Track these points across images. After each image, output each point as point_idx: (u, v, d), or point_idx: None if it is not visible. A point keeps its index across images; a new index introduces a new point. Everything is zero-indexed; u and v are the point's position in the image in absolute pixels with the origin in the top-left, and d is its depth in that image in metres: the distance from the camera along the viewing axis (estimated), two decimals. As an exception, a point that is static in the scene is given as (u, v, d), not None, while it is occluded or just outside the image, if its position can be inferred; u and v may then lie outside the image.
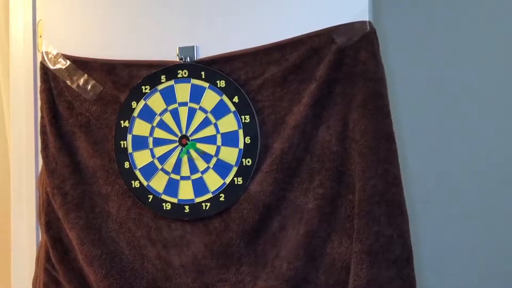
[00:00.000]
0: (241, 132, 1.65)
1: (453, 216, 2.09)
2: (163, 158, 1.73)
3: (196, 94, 1.70)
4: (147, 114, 1.75)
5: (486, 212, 2.08)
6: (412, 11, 2.16)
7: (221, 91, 1.67)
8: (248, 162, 1.64)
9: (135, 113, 1.75)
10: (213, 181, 1.68)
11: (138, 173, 1.75)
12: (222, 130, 1.67)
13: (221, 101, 1.67)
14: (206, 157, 1.68)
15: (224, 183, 1.67)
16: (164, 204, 1.73)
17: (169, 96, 1.72)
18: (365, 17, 1.58)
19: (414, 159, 2.03)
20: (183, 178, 1.71)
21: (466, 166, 2.10)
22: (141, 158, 1.75)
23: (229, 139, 1.67)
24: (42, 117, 1.89)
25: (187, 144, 1.70)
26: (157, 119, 1.74)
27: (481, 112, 2.10)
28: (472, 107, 2.10)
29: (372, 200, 1.54)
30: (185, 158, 1.70)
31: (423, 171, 2.10)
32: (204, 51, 1.72)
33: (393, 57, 1.93)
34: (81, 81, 1.83)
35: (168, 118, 1.73)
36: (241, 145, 1.65)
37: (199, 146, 1.69)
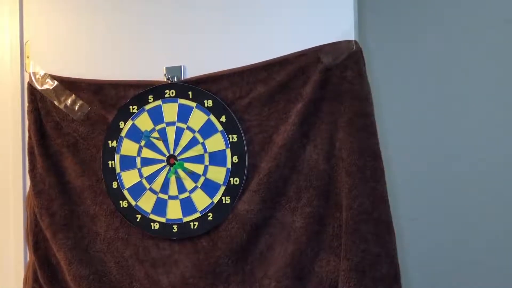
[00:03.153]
0: (228, 151, 1.66)
1: (440, 234, 2.10)
2: (151, 178, 1.73)
3: (184, 114, 1.70)
4: (135, 134, 1.75)
5: (474, 229, 2.09)
6: (397, 30, 2.18)
7: (208, 110, 1.67)
8: (236, 181, 1.65)
9: (123, 133, 1.76)
10: (201, 201, 1.68)
11: (126, 193, 1.75)
12: (209, 150, 1.68)
13: (209, 120, 1.68)
14: (194, 176, 1.69)
15: (212, 202, 1.67)
16: (152, 223, 1.73)
17: (156, 115, 1.73)
18: (351, 36, 1.59)
19: (401, 176, 2.04)
20: (171, 197, 1.71)
21: (453, 184, 2.11)
22: (129, 178, 1.75)
23: (217, 158, 1.67)
24: (29, 138, 1.89)
25: (175, 163, 1.70)
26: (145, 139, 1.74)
27: (468, 131, 2.11)
28: (459, 125, 2.12)
29: (359, 218, 1.54)
30: (173, 178, 1.70)
31: (410, 189, 2.10)
32: (191, 71, 1.73)
33: (379, 76, 1.95)
34: (69, 102, 1.83)
35: (155, 138, 1.73)
36: (229, 165, 1.66)
37: (187, 165, 1.69)
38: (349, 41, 1.58)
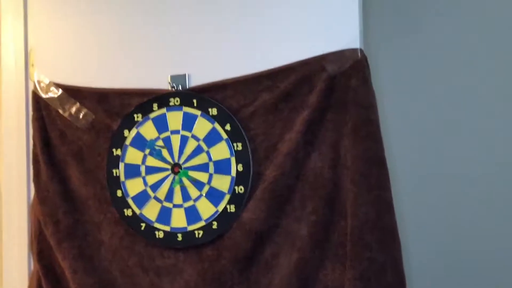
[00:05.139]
0: (233, 159, 1.66)
1: (446, 241, 2.09)
2: (155, 186, 1.73)
3: (188, 122, 1.70)
4: (140, 142, 1.75)
5: (479, 238, 2.08)
6: (403, 38, 2.17)
7: (213, 119, 1.67)
8: (241, 189, 1.65)
9: (127, 142, 1.76)
10: (206, 209, 1.68)
11: (130, 201, 1.75)
12: (214, 158, 1.68)
13: (213, 129, 1.67)
14: (198, 185, 1.69)
15: (217, 211, 1.67)
16: (156, 232, 1.72)
17: (161, 124, 1.73)
18: (356, 45, 1.59)
19: (406, 184, 2.04)
20: (175, 206, 1.71)
21: (459, 192, 2.10)
22: (134, 186, 1.75)
23: (222, 166, 1.67)
24: (34, 146, 1.89)
25: (179, 172, 1.70)
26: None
27: (475, 136, 2.11)
28: (465, 130, 2.11)
29: (365, 226, 1.54)
30: (177, 186, 1.70)
31: (415, 196, 2.10)
32: (196, 79, 1.73)
33: (384, 84, 1.95)
34: (73, 110, 1.83)
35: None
36: (234, 173, 1.66)
37: (192, 174, 1.69)
38: (354, 50, 1.58)
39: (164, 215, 1.72)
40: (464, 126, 2.11)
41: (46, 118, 1.88)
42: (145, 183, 1.74)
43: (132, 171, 1.76)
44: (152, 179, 1.74)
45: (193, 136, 1.70)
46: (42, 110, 1.89)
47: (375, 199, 1.55)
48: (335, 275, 1.58)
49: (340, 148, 1.59)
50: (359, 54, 1.58)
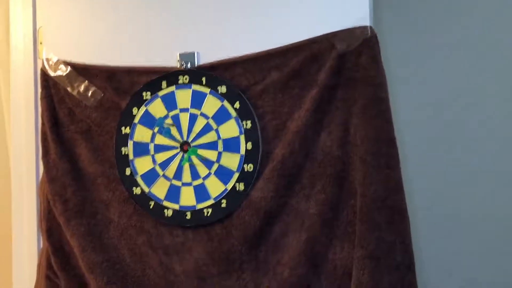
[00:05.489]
0: (242, 138, 1.65)
1: (455, 224, 2.08)
2: (164, 165, 1.73)
3: (197, 100, 1.70)
4: (148, 120, 1.74)
5: (488, 217, 2.07)
6: (413, 16, 2.15)
7: (222, 96, 1.67)
8: (250, 168, 1.64)
9: (136, 120, 1.75)
10: (215, 187, 1.68)
11: (139, 179, 1.75)
12: (223, 136, 1.67)
13: (222, 106, 1.67)
14: (207, 163, 1.68)
15: (226, 189, 1.67)
16: (165, 210, 1.72)
17: (170, 102, 1.72)
18: (366, 22, 1.58)
19: (415, 164, 2.02)
20: (184, 184, 1.71)
21: (468, 171, 2.09)
22: (142, 165, 1.75)
23: (231, 145, 1.67)
24: (42, 124, 1.89)
25: (188, 150, 1.70)
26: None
27: (485, 116, 2.09)
28: (475, 110, 2.09)
29: (374, 205, 1.53)
30: (186, 164, 1.70)
31: (424, 176, 2.09)
32: (205, 57, 1.72)
33: (394, 62, 1.93)
34: (82, 88, 1.83)
35: (169, 124, 1.73)
36: (243, 151, 1.65)
37: (201, 152, 1.69)
38: (364, 27, 1.57)
39: (173, 194, 1.72)
40: (478, 105, 2.10)
41: (55, 97, 1.88)
42: (154, 161, 1.74)
43: (141, 149, 1.75)
44: (161, 157, 1.73)
45: (202, 114, 1.69)
46: (50, 89, 1.88)
47: (384, 178, 1.54)
48: (344, 254, 1.58)
49: (350, 126, 1.58)
50: (369, 32, 1.57)
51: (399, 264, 1.54)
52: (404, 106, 2.01)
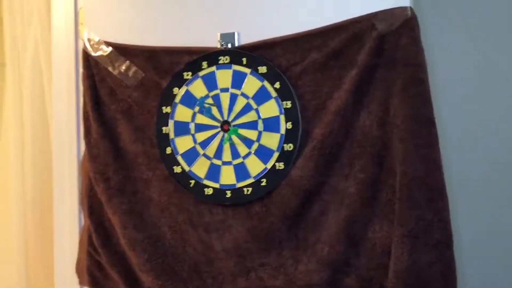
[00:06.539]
0: (282, 117, 1.67)
1: (492, 201, 2.08)
2: (205, 144, 1.75)
3: (238, 80, 1.71)
4: (189, 100, 1.76)
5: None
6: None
7: (262, 77, 1.68)
8: (290, 147, 1.66)
9: (177, 99, 1.77)
10: (255, 166, 1.70)
11: (180, 158, 1.77)
12: (263, 116, 1.69)
13: (263, 87, 1.68)
14: (247, 142, 1.70)
15: (266, 168, 1.68)
16: (205, 189, 1.75)
17: (210, 82, 1.74)
18: (406, 3, 1.58)
19: (454, 144, 2.02)
20: (224, 163, 1.73)
21: (509, 151, 2.08)
22: (183, 144, 1.77)
23: (271, 124, 1.68)
24: (84, 104, 1.91)
25: (228, 130, 1.72)
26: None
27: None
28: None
29: (413, 184, 1.55)
30: (227, 144, 1.72)
31: (463, 156, 2.08)
32: (245, 38, 1.73)
33: (434, 43, 1.92)
34: (123, 68, 1.85)
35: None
36: (283, 131, 1.67)
37: (241, 131, 1.70)
38: (404, 8, 1.58)
39: (213, 172, 1.74)
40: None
41: (96, 76, 1.90)
42: (195, 141, 1.76)
43: (182, 128, 1.77)
44: (201, 136, 1.75)
45: (243, 94, 1.71)
46: (92, 68, 1.90)
47: (424, 157, 1.55)
48: (383, 233, 1.60)
49: (389, 106, 1.59)
50: (409, 12, 1.57)
51: (438, 242, 1.55)
52: (444, 87, 2.00)
